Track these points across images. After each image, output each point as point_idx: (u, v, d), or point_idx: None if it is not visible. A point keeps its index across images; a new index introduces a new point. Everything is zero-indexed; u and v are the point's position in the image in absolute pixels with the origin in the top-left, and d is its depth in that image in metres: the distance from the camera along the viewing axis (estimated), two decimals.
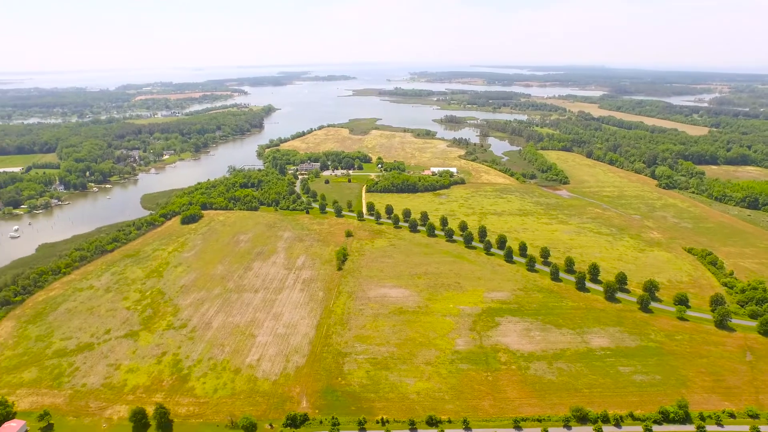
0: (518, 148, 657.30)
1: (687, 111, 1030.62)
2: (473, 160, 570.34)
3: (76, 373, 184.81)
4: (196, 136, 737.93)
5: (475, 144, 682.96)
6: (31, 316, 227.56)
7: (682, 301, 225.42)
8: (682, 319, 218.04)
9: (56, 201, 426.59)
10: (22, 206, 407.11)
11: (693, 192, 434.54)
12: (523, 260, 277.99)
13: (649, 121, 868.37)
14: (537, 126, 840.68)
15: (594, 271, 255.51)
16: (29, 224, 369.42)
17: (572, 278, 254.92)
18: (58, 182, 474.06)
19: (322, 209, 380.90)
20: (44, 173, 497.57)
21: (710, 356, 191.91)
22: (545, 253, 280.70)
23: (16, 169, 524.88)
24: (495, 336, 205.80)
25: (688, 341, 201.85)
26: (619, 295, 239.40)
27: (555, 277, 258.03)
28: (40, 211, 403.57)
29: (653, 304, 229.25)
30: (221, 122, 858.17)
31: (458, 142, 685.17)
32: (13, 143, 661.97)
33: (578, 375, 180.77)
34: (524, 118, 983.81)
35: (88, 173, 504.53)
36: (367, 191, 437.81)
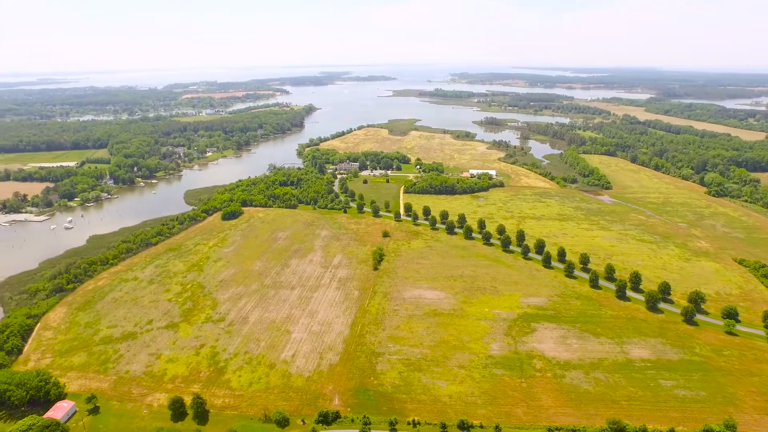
0: (559, 152, 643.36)
1: (742, 115, 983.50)
2: (513, 163, 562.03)
3: (120, 360, 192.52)
4: (239, 134, 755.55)
5: (515, 147, 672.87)
6: (81, 303, 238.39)
7: (731, 315, 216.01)
8: (730, 333, 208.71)
9: (106, 195, 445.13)
10: (76, 199, 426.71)
11: (746, 200, 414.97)
12: (561, 266, 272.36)
13: (699, 126, 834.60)
14: (579, 129, 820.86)
15: (636, 279, 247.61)
16: (81, 216, 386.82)
17: (612, 286, 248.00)
18: (108, 177, 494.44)
19: (360, 209, 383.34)
20: (96, 168, 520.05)
21: (763, 375, 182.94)
22: (585, 260, 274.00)
23: (72, 164, 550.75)
24: (530, 342, 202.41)
25: (738, 357, 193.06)
26: (662, 305, 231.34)
27: (594, 284, 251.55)
28: (92, 203, 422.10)
29: (699, 317, 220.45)
30: (263, 121, 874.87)
31: (498, 145, 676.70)
32: (70, 139, 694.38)
33: (616, 386, 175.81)
34: (566, 121, 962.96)
35: (135, 168, 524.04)
36: (405, 192, 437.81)
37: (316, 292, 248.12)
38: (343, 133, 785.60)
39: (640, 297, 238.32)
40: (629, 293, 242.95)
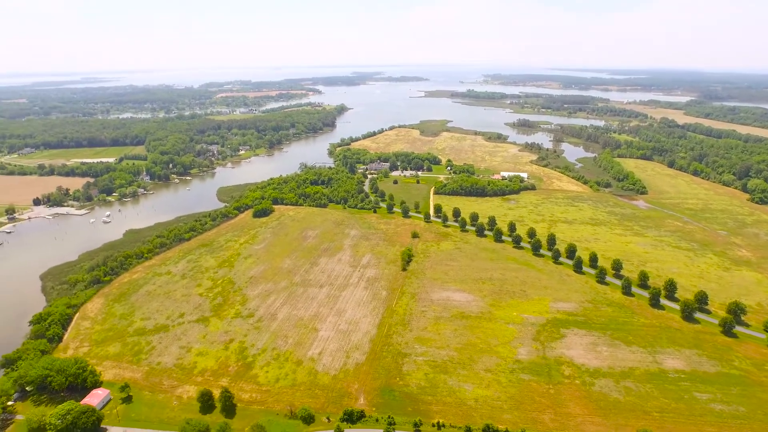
0: (593, 155, 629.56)
1: None
2: (545, 166, 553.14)
3: (152, 352, 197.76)
4: (271, 133, 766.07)
5: (547, 149, 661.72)
6: (117, 295, 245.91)
7: None
8: None
9: (142, 190, 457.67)
10: (114, 194, 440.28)
11: None
12: (593, 271, 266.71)
13: (743, 130, 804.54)
14: (614, 132, 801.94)
15: (670, 287, 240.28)
16: (119, 211, 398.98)
17: (646, 293, 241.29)
18: (144, 173, 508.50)
19: (390, 209, 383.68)
20: (133, 164, 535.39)
21: None
22: (617, 266, 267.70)
23: (111, 160, 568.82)
24: (559, 348, 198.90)
25: None
26: (699, 315, 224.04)
27: (627, 291, 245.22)
28: (129, 199, 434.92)
29: (738, 329, 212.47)
30: (295, 120, 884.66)
31: (530, 147, 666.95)
32: (110, 136, 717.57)
33: (648, 396, 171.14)
34: (601, 123, 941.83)
35: (171, 165, 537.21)
36: (435, 193, 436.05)
37: (344, 291, 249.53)
38: (374, 133, 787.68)
39: (675, 306, 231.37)
40: (663, 301, 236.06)
